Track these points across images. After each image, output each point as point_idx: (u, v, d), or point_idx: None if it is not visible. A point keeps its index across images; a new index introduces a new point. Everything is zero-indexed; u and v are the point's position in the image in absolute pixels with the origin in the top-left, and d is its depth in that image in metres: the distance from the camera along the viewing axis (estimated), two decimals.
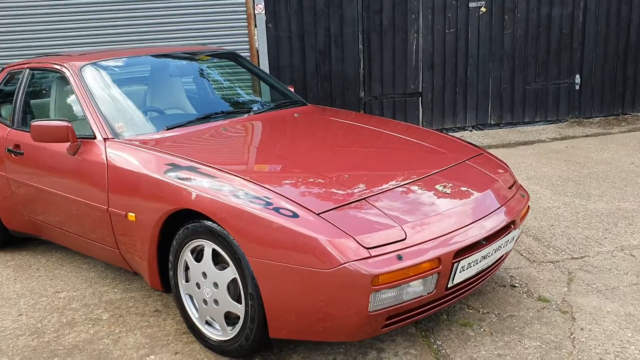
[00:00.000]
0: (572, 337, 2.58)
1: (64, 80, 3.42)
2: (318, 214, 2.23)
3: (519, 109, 7.31)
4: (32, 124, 3.01)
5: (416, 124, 7.02)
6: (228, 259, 2.39)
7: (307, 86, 6.79)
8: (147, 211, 2.67)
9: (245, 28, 6.39)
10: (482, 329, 2.68)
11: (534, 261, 3.36)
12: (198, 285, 2.56)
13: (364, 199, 2.39)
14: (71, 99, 3.40)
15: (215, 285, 2.47)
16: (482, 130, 7.25)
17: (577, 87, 7.39)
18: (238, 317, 2.44)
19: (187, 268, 2.62)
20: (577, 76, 7.35)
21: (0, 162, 3.64)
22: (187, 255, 2.59)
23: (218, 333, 2.55)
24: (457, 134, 7.01)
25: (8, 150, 3.56)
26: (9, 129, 3.67)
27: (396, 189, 2.52)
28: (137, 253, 2.83)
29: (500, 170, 2.99)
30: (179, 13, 6.25)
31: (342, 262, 2.11)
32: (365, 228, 2.23)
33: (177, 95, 3.70)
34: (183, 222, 2.58)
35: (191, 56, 4.00)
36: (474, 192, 2.65)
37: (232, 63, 4.16)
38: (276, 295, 2.26)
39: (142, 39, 6.20)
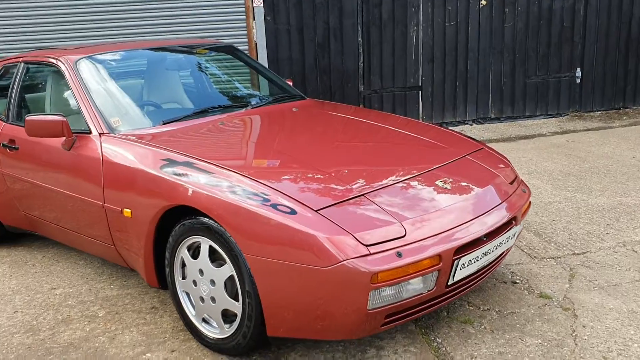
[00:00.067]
0: (574, 334, 2.55)
1: (59, 74, 3.37)
2: (316, 211, 2.19)
3: (520, 103, 7.27)
4: (27, 118, 2.96)
5: (416, 118, 6.99)
6: (225, 256, 2.35)
7: (306, 80, 6.73)
8: (143, 207, 2.63)
9: (244, 21, 6.33)
10: (482, 326, 2.65)
11: (535, 257, 3.33)
12: (195, 282, 2.52)
13: (363, 195, 2.35)
14: (66, 93, 3.35)
15: (212, 282, 2.44)
16: (483, 124, 7.21)
17: (578, 81, 7.34)
18: (235, 315, 2.40)
19: (183, 265, 2.59)
20: (578, 70, 7.30)
21: None
22: (183, 252, 2.55)
23: (215, 331, 2.52)
24: (457, 128, 6.97)
25: (3, 145, 3.52)
26: (4, 123, 3.62)
27: (396, 184, 2.48)
28: (133, 249, 2.79)
29: (501, 165, 2.94)
30: (176, 6, 6.19)
31: (341, 260, 2.07)
32: (364, 225, 2.19)
33: (174, 89, 3.66)
34: (179, 219, 2.54)
35: (188, 50, 3.95)
36: (474, 187, 2.61)
37: (229, 56, 4.11)
38: (274, 293, 2.23)
39: (139, 33, 6.14)
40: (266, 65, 6.40)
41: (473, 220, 2.41)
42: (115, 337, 2.72)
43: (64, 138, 2.99)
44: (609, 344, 2.47)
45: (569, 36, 7.17)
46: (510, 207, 2.61)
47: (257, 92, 4.16)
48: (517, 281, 3.05)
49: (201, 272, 2.48)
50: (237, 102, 3.73)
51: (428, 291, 2.27)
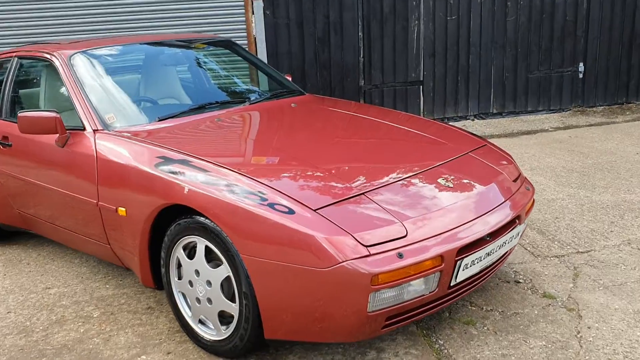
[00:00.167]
0: (579, 336, 2.49)
1: (53, 69, 3.30)
2: (315, 210, 2.13)
3: (522, 98, 7.19)
4: (19, 115, 2.90)
5: (417, 113, 6.92)
6: (221, 256, 2.30)
7: (306, 74, 6.66)
8: (138, 206, 2.57)
9: (243, 15, 6.26)
10: (485, 328, 2.59)
11: (538, 256, 3.27)
12: (191, 283, 2.47)
13: (363, 193, 2.29)
14: (61, 89, 3.28)
15: (209, 283, 2.38)
16: (484, 119, 7.13)
17: (581, 76, 7.26)
18: (232, 317, 2.35)
19: (179, 265, 2.53)
20: (581, 64, 7.22)
21: None
22: (179, 252, 2.49)
23: (212, 332, 2.46)
24: (459, 123, 6.90)
25: None
26: None
27: (397, 182, 2.41)
28: (128, 249, 2.73)
29: (505, 162, 2.88)
30: (174, 0, 6.11)
31: (340, 261, 2.02)
32: (365, 224, 2.13)
33: (171, 84, 3.59)
34: (175, 218, 2.48)
35: (186, 44, 3.88)
36: (477, 185, 2.55)
37: (227, 51, 4.04)
38: (271, 294, 2.17)
39: (136, 27, 6.06)
40: (265, 60, 6.33)
41: (476, 220, 2.35)
42: (110, 338, 2.66)
43: (58, 135, 2.93)
44: (614, 346, 2.41)
45: (572, 30, 7.09)
46: (514, 205, 2.55)
47: (255, 88, 4.08)
48: (521, 280, 2.99)
49: (197, 272, 2.42)
50: (235, 97, 3.67)
51: (430, 293, 2.21)
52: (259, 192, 2.21)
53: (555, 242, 3.43)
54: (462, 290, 2.41)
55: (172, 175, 2.43)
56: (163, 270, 2.58)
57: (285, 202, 2.16)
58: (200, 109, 3.20)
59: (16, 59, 3.66)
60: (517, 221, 2.54)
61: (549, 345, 2.43)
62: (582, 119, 6.91)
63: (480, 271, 2.43)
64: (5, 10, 5.88)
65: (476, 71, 7.01)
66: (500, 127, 6.72)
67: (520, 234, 2.65)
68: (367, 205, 2.23)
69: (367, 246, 2.06)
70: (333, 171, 2.43)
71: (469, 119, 7.12)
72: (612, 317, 2.62)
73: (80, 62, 3.23)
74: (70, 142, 2.94)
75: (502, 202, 2.51)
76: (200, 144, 2.72)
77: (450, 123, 6.79)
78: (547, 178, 4.64)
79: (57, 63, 3.22)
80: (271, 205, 2.15)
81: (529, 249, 3.36)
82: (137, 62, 3.62)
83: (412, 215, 2.24)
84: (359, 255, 2.03)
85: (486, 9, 6.85)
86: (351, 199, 2.24)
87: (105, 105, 3.02)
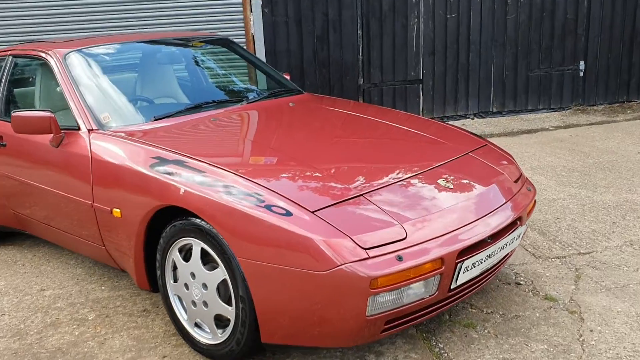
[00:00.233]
0: (581, 339, 2.45)
1: (48, 68, 3.25)
2: (313, 212, 2.09)
3: (522, 97, 7.15)
4: (13, 114, 2.86)
5: (417, 112, 6.87)
6: (217, 259, 2.25)
7: (305, 73, 6.61)
8: (133, 207, 2.53)
9: (241, 13, 6.20)
10: (486, 331, 2.55)
11: (539, 257, 3.23)
12: (186, 285, 2.42)
13: (362, 194, 2.25)
14: (56, 88, 3.24)
15: (204, 286, 2.34)
16: (484, 118, 7.09)
17: (582, 74, 7.22)
18: (229, 320, 2.30)
19: (175, 268, 2.48)
20: (582, 62, 7.17)
21: None
22: (174, 254, 2.45)
23: (208, 336, 2.42)
24: (459, 122, 6.85)
25: None
26: None
27: (396, 183, 2.37)
28: (123, 250, 2.69)
29: (505, 163, 2.84)
30: None
31: (338, 264, 1.97)
32: (363, 226, 2.09)
33: (167, 83, 3.54)
34: (171, 219, 2.44)
35: (183, 43, 3.83)
36: (478, 186, 2.51)
37: (225, 49, 3.99)
38: (268, 298, 2.13)
39: (134, 25, 6.01)
40: (264, 58, 6.28)
41: (477, 221, 2.31)
42: (105, 341, 2.62)
43: (52, 135, 2.88)
44: (617, 350, 2.37)
45: (573, 28, 7.04)
46: (515, 206, 2.51)
47: (253, 87, 4.04)
48: (522, 282, 2.95)
49: (193, 275, 2.38)
50: (232, 97, 3.62)
51: (430, 296, 2.17)
52: (256, 193, 2.17)
53: (557, 243, 3.39)
54: (462, 293, 2.37)
55: (167, 176, 2.38)
56: (158, 272, 2.54)
57: (282, 203, 2.11)
58: (197, 108, 3.15)
59: (11, 57, 3.61)
60: (518, 223, 2.50)
61: (551, 349, 2.39)
62: (583, 117, 6.86)
63: (481, 274, 2.39)
64: (1, 8, 5.82)
65: (476, 69, 6.97)
66: (500, 126, 6.68)
67: (521, 236, 2.61)
68: (366, 206, 2.19)
69: (366, 249, 2.02)
70: (331, 172, 2.39)
71: (468, 117, 7.08)
72: (614, 320, 2.58)
73: (76, 61, 3.18)
74: (64, 142, 2.89)
75: (503, 204, 2.47)
76: (196, 144, 2.68)
77: (449, 122, 6.76)
78: (547, 178, 4.60)
79: (52, 62, 3.18)
80: (268, 207, 2.11)
81: (529, 249, 3.32)
82: (133, 61, 3.58)
83: (412, 217, 2.19)
84: (357, 258, 1.99)
85: (486, 7, 6.80)
86: (350, 201, 2.20)
87: (101, 105, 2.98)
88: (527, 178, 2.86)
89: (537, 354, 2.37)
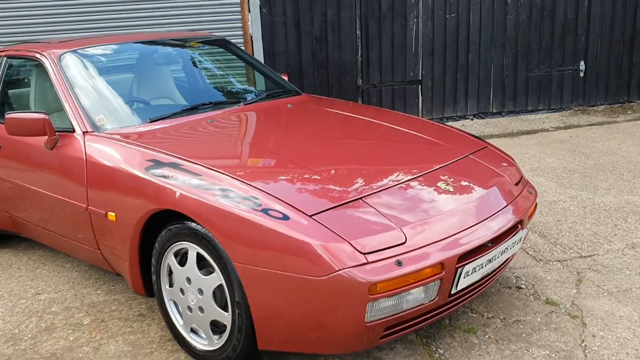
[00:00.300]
0: (583, 345, 2.41)
1: (42, 69, 3.21)
2: (310, 216, 2.05)
3: (522, 97, 7.11)
4: (7, 116, 2.82)
5: (416, 113, 6.84)
6: (213, 263, 2.22)
7: (303, 73, 6.57)
8: (128, 211, 2.49)
9: (239, 13, 6.16)
10: (486, 336, 2.51)
11: (540, 260, 3.19)
12: (182, 290, 2.38)
13: (361, 198, 2.21)
14: (50, 90, 3.20)
15: (200, 291, 2.30)
16: (484, 119, 7.05)
17: (582, 74, 7.18)
18: (225, 326, 2.27)
19: (170, 272, 2.45)
20: (582, 63, 7.14)
21: None
22: (170, 259, 2.41)
23: (204, 342, 2.38)
24: (458, 123, 6.82)
25: None
26: None
27: (395, 186, 2.33)
28: (118, 254, 2.65)
29: (506, 165, 2.80)
30: None
31: (337, 269, 1.94)
32: (362, 231, 2.06)
33: (164, 84, 3.50)
34: (166, 223, 2.40)
35: (180, 43, 3.79)
36: (478, 189, 2.47)
37: (222, 50, 3.95)
38: (265, 303, 2.09)
39: (131, 25, 5.96)
40: (262, 59, 6.24)
41: (477, 225, 2.27)
42: (100, 347, 2.58)
43: (46, 137, 2.84)
44: (620, 356, 2.33)
45: (573, 28, 7.01)
46: (516, 210, 2.47)
47: (250, 88, 4.00)
48: (523, 286, 2.91)
49: (189, 280, 2.34)
50: (229, 98, 3.58)
51: (430, 301, 2.13)
52: (253, 197, 2.13)
53: (558, 246, 3.35)
54: (463, 299, 2.33)
55: (163, 179, 2.35)
56: (154, 277, 2.50)
57: (279, 207, 2.08)
58: (193, 109, 3.11)
59: (5, 58, 3.57)
60: (519, 226, 2.46)
61: (553, 355, 2.35)
62: (583, 118, 6.83)
63: (482, 278, 2.35)
64: None
65: (475, 70, 6.93)
66: (500, 126, 6.64)
67: (522, 239, 2.58)
68: (365, 210, 2.15)
69: (364, 253, 1.98)
70: (330, 174, 2.35)
71: (468, 118, 7.04)
72: (617, 325, 2.54)
73: (71, 62, 3.14)
74: (59, 144, 2.85)
75: (504, 207, 2.43)
76: (192, 147, 2.64)
77: (449, 122, 6.72)
78: (548, 179, 4.56)
79: (46, 63, 3.14)
80: (265, 211, 2.07)
81: (530, 252, 3.28)
82: (129, 62, 3.54)
83: (412, 221, 2.16)
84: (356, 263, 1.95)
85: (486, 7, 6.76)
86: (348, 204, 2.16)
87: (96, 107, 2.94)
88: (527, 181, 2.82)
89: None
